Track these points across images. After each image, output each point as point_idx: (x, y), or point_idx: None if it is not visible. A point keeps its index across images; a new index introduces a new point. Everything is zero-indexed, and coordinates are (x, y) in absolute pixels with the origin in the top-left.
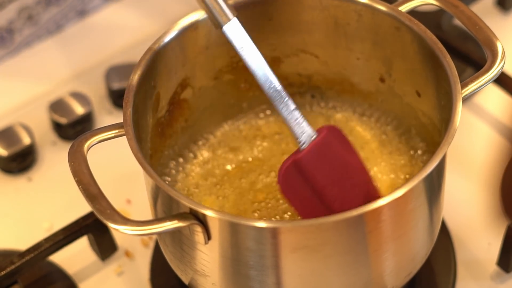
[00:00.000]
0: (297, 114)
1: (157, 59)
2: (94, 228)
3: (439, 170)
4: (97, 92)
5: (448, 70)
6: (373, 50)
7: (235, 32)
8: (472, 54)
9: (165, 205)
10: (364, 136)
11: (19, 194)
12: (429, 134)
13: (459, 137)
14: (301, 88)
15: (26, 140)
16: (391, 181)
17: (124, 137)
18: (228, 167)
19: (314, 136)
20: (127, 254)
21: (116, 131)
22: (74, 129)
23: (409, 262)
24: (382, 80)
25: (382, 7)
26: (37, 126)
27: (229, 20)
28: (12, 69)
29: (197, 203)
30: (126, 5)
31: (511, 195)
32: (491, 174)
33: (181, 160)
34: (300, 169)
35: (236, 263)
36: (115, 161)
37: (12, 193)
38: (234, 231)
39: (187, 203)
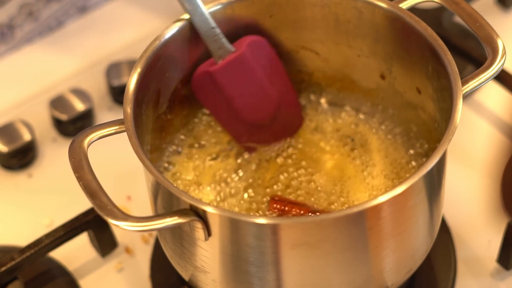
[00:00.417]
0: (217, 31)
1: (157, 56)
2: (94, 224)
3: (440, 167)
4: (97, 89)
5: (448, 67)
6: (374, 47)
7: None
8: (473, 51)
9: (166, 201)
10: (364, 132)
11: (20, 190)
12: (429, 131)
13: (459, 134)
14: (301, 85)
15: (26, 137)
16: (391, 178)
17: (125, 134)
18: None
19: (231, 51)
20: (127, 250)
21: (117, 127)
22: (74, 126)
23: (409, 259)
24: (382, 77)
25: (383, 4)
26: (38, 122)
27: None
28: (13, 66)
29: (198, 199)
30: (127, 2)
31: (511, 192)
32: (491, 171)
33: (181, 156)
34: (212, 80)
35: (236, 259)
36: (115, 157)
37: (13, 189)
38: (234, 228)
39: (188, 199)
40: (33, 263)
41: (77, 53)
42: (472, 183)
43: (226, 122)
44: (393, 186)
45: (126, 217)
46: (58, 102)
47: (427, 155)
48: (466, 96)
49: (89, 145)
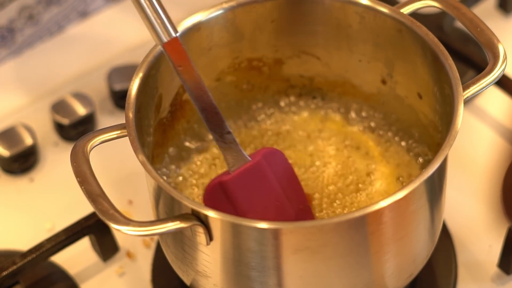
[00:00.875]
0: (230, 137)
1: (159, 60)
2: (96, 229)
3: (441, 172)
4: (99, 93)
5: (449, 72)
6: (375, 52)
7: (176, 50)
8: (474, 57)
9: (167, 206)
10: (365, 138)
11: (21, 194)
12: (430, 136)
13: (460, 139)
14: (302, 90)
15: (28, 141)
16: (392, 183)
17: (126, 138)
18: None
19: (246, 161)
20: (129, 255)
21: (118, 132)
22: (76, 130)
23: (410, 263)
24: (383, 82)
25: (384, 9)
26: (39, 126)
27: (171, 37)
28: (14, 70)
29: (199, 204)
30: (128, 6)
31: None
32: (492, 176)
33: (183, 161)
34: (224, 192)
35: (238, 264)
36: (117, 162)
37: (14, 193)
38: (236, 232)
39: (189, 204)
40: (34, 268)
41: (79, 57)
42: (473, 188)
43: None
44: (395, 191)
45: (127, 221)
46: (59, 107)
47: (428, 160)
48: (467, 101)
49: (91, 149)
